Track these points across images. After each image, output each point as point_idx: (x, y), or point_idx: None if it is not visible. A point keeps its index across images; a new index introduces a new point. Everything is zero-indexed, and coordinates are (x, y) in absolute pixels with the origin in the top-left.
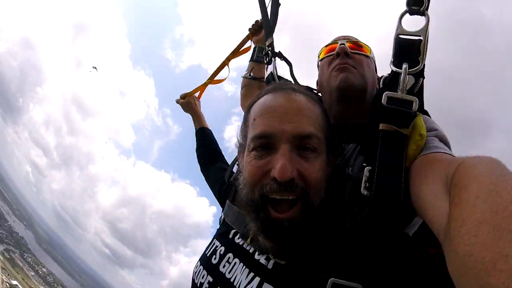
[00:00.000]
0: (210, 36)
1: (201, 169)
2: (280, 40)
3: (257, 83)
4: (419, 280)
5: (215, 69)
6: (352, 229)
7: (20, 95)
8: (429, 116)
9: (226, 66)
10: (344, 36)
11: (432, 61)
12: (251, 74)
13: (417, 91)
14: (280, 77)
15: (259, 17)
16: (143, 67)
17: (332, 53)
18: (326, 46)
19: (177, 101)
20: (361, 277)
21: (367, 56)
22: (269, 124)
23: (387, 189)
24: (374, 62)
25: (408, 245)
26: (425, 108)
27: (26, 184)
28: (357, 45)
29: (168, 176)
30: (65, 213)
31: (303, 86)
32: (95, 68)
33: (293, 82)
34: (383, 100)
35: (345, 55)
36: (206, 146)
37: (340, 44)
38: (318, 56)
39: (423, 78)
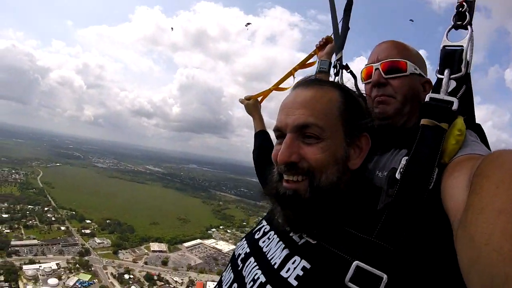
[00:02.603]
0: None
1: (256, 169)
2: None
3: None
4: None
5: (282, 77)
6: (383, 210)
7: (218, 114)
8: (482, 129)
9: (292, 76)
10: (381, 53)
11: None
12: None
13: (465, 100)
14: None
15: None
16: None
17: (370, 80)
18: (365, 67)
19: (241, 101)
20: (389, 266)
21: (405, 76)
22: (279, 119)
23: (417, 173)
24: (419, 68)
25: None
26: (477, 122)
27: None
28: (393, 64)
29: None
30: None
31: (329, 81)
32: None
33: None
34: (426, 100)
35: (381, 86)
36: (265, 148)
37: (375, 69)
38: (361, 78)
39: (467, 85)
